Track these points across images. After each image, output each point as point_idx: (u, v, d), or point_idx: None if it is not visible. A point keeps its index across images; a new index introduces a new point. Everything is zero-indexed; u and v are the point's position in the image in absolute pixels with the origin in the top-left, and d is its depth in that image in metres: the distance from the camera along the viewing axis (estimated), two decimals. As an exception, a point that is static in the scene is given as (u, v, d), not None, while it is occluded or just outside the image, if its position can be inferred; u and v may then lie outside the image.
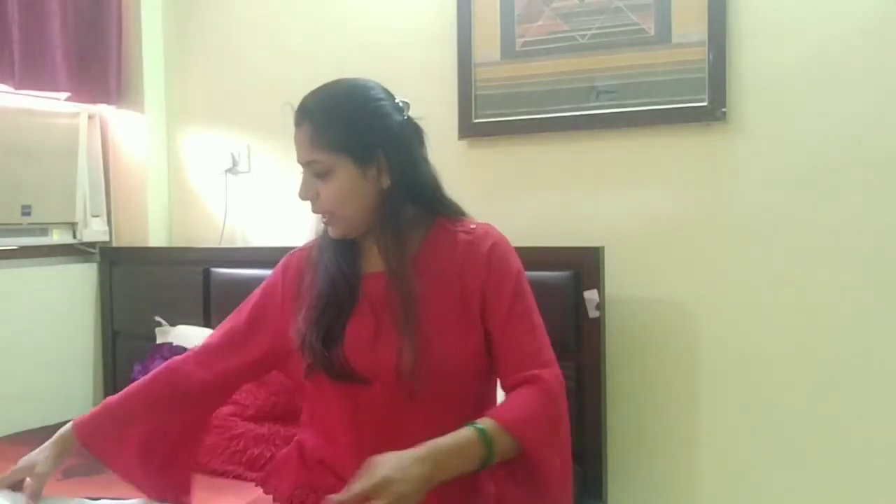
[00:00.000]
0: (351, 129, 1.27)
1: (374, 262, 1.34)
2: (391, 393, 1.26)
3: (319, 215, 1.34)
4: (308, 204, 1.32)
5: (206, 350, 1.45)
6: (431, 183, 1.36)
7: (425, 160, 1.37)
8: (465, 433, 1.17)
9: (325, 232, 1.36)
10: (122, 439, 1.39)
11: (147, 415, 1.40)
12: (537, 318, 1.33)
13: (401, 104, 1.34)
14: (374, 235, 1.32)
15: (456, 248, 1.32)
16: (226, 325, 1.47)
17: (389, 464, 1.09)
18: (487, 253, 1.32)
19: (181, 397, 1.41)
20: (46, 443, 1.39)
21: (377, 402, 1.28)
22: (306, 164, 1.30)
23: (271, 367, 1.47)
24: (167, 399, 1.41)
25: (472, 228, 1.35)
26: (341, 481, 1.30)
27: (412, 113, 1.37)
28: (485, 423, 1.18)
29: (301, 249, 1.45)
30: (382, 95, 1.32)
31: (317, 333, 1.30)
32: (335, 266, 1.33)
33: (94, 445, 1.39)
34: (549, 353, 1.32)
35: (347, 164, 1.27)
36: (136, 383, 1.46)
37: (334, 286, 1.32)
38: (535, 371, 1.27)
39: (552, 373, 1.28)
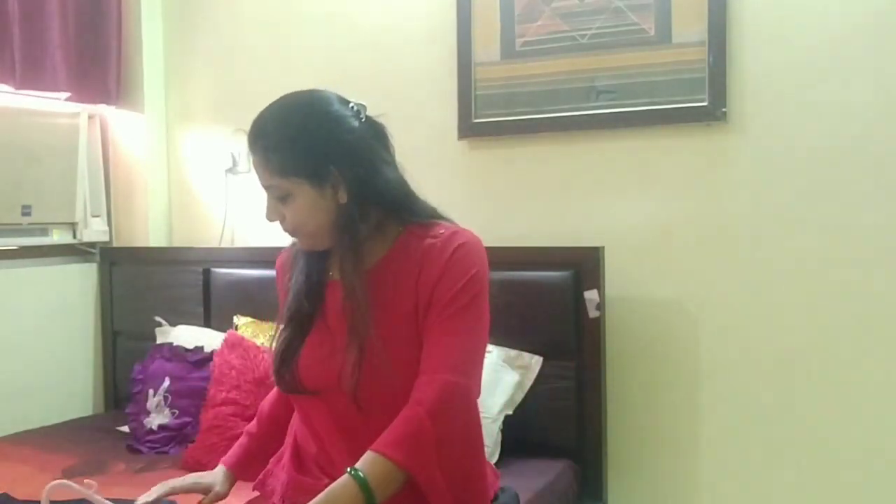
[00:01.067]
0: (300, 151, 1.24)
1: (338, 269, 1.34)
2: (344, 404, 1.25)
3: None
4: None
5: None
6: (396, 189, 1.30)
7: (388, 163, 1.31)
8: (342, 481, 1.15)
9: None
10: (265, 460, 1.48)
11: (278, 436, 1.47)
12: (473, 324, 1.25)
13: (356, 108, 1.30)
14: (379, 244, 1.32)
15: (417, 253, 1.27)
16: None
17: None
18: (450, 254, 1.26)
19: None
20: (209, 472, 1.46)
21: (337, 412, 1.28)
22: (266, 189, 1.29)
23: None
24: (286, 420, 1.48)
25: (441, 233, 1.29)
26: (332, 480, 1.31)
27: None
28: (364, 460, 1.16)
29: (286, 249, 1.46)
30: (332, 107, 1.28)
31: (277, 348, 1.33)
32: (303, 276, 1.34)
33: (247, 476, 1.48)
34: (465, 359, 1.23)
35: (303, 186, 1.24)
36: (263, 408, 1.53)
37: (298, 298, 1.33)
38: (431, 375, 1.20)
39: (449, 381, 1.19)
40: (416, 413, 1.17)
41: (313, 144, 1.25)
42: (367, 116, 1.31)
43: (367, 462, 1.15)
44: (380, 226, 1.31)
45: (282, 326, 1.35)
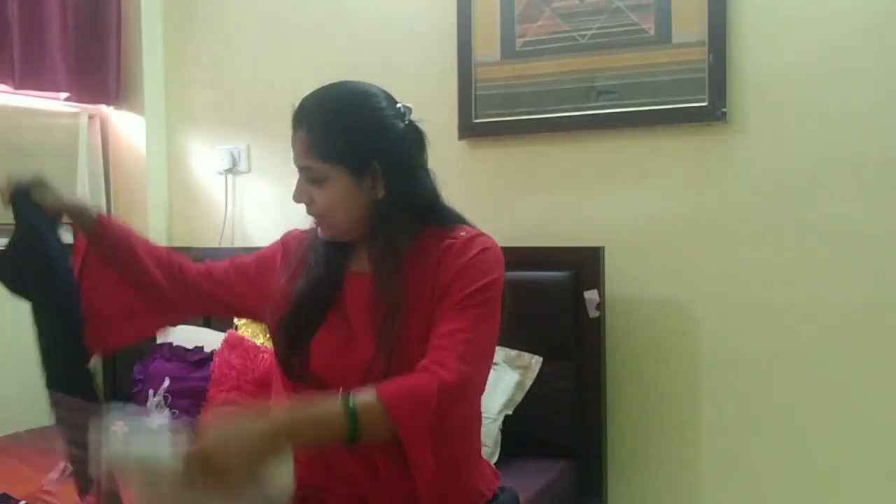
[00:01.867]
0: (347, 140, 1.25)
1: (362, 262, 1.33)
2: None
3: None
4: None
5: (211, 264, 1.50)
6: (427, 193, 1.32)
7: (423, 168, 1.34)
8: (332, 403, 1.09)
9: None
10: (117, 256, 1.41)
11: (143, 258, 1.41)
12: (481, 326, 1.22)
13: (402, 109, 1.31)
14: (365, 241, 1.31)
15: (436, 253, 1.28)
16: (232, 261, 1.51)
17: (214, 437, 1.01)
18: (471, 255, 1.26)
19: (174, 267, 1.44)
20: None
21: None
22: (301, 169, 1.29)
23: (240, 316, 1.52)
24: (165, 260, 1.44)
25: (462, 235, 1.29)
26: (338, 479, 1.29)
27: (413, 114, 1.35)
28: (361, 394, 1.10)
29: (302, 231, 1.43)
30: (383, 104, 1.29)
31: (285, 333, 1.30)
32: (323, 265, 1.32)
33: (99, 237, 1.40)
34: (471, 355, 1.19)
35: (342, 175, 1.25)
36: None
37: (319, 286, 1.31)
38: (444, 360, 1.16)
39: (464, 371, 1.15)
40: (428, 382, 1.13)
41: (361, 137, 1.25)
42: (410, 120, 1.32)
43: (365, 403, 1.09)
44: (405, 227, 1.30)
45: (285, 313, 1.31)
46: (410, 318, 1.25)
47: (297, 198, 1.30)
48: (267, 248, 1.49)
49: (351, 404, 1.08)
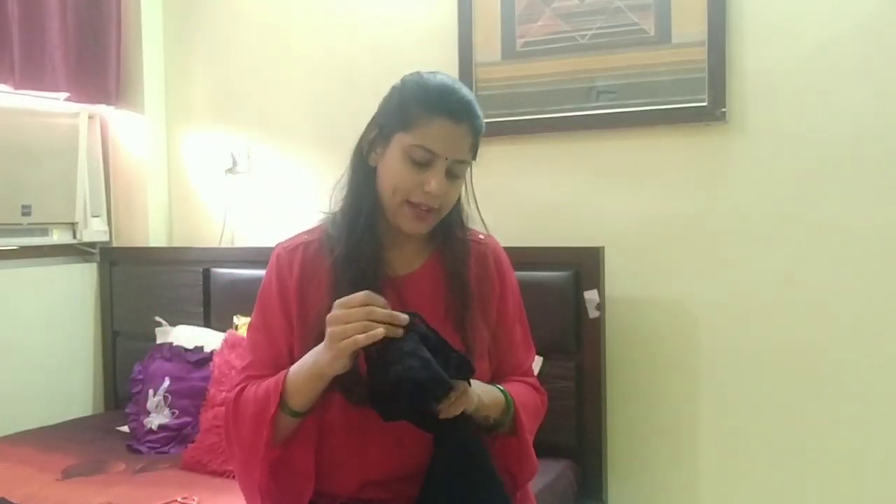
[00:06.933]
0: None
1: (393, 265, 1.30)
2: None
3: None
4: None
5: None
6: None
7: None
8: (498, 393, 1.26)
9: (345, 240, 1.26)
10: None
11: None
12: (528, 330, 1.45)
13: None
14: (429, 235, 1.33)
15: (468, 255, 1.35)
16: (266, 359, 1.32)
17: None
18: (496, 264, 1.39)
19: None
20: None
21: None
22: (454, 162, 1.24)
23: None
24: None
25: (482, 239, 1.39)
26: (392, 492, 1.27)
27: None
28: (507, 393, 1.28)
29: (292, 247, 1.32)
30: None
31: None
32: (356, 279, 1.22)
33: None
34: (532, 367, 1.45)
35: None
36: None
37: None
38: (530, 380, 1.41)
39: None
40: (536, 397, 1.39)
41: None
42: None
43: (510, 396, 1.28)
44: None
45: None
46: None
47: (443, 189, 1.24)
48: (267, 300, 1.32)
49: (510, 404, 1.27)
